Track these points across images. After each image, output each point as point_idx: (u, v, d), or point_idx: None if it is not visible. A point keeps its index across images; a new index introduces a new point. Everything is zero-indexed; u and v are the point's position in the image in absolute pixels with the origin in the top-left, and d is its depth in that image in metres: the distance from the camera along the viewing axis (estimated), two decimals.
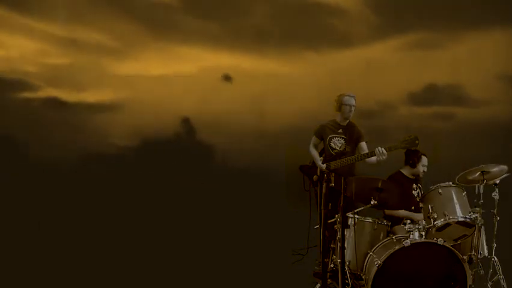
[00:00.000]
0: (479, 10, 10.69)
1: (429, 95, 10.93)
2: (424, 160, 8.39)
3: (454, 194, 7.52)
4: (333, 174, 6.97)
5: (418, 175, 8.37)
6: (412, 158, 8.32)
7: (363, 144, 8.31)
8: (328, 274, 7.22)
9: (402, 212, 8.02)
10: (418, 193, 8.23)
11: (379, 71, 10.88)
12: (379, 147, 7.73)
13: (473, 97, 10.96)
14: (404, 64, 10.95)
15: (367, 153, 7.96)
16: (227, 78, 10.71)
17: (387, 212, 8.06)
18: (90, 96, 10.55)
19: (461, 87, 10.97)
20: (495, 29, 10.83)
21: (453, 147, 10.30)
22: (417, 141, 7.62)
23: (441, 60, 10.89)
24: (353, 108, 8.33)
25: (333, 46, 11.03)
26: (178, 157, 10.39)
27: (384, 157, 7.74)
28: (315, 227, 7.44)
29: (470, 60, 10.82)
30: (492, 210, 7.47)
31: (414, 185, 8.29)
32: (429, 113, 10.96)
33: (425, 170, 8.40)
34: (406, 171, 8.38)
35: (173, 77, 10.64)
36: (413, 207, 8.04)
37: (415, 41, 10.96)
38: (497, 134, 10.34)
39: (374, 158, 7.83)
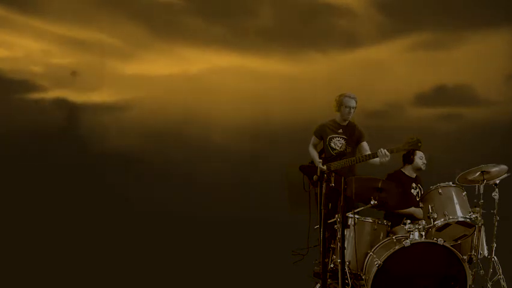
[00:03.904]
0: (486, 10, 10.64)
1: (436, 95, 10.88)
2: (421, 153, 8.36)
3: (454, 194, 7.55)
4: (333, 174, 6.97)
5: (420, 169, 8.36)
6: (407, 155, 8.33)
7: (365, 144, 8.31)
8: (328, 274, 7.23)
9: (409, 209, 8.06)
10: (418, 193, 8.22)
11: (386, 72, 10.85)
12: (382, 149, 7.74)
13: (481, 97, 10.91)
14: (410, 65, 10.91)
15: (369, 155, 7.97)
16: None
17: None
18: (95, 97, 10.59)
19: (468, 87, 10.91)
20: (503, 29, 10.78)
21: (455, 147, 10.28)
22: (419, 144, 7.64)
23: (448, 61, 10.83)
24: (352, 110, 8.30)
25: (340, 47, 11.00)
26: (181, 157, 10.42)
27: (387, 158, 7.76)
28: (315, 227, 7.41)
29: (478, 60, 10.77)
30: (492, 210, 7.46)
31: (414, 184, 8.28)
32: (436, 113, 10.90)
33: (425, 162, 8.38)
34: (407, 170, 8.39)
35: (178, 77, 10.67)
36: (412, 207, 8.06)
37: (422, 41, 10.91)
38: (499, 134, 10.32)
39: (376, 159, 7.85)
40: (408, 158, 8.35)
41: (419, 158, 8.34)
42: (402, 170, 8.39)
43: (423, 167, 8.37)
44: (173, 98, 10.59)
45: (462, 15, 10.73)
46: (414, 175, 8.37)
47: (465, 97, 10.94)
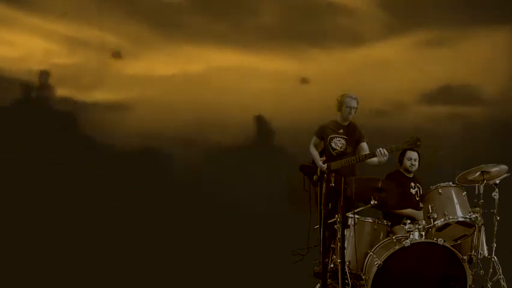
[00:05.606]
0: (491, 8, 10.60)
1: (440, 94, 10.86)
2: (411, 154, 8.34)
3: (454, 194, 7.55)
4: (333, 174, 6.98)
5: (408, 170, 8.35)
6: (399, 156, 8.37)
7: (364, 145, 8.28)
8: (328, 274, 7.24)
9: (406, 210, 8.05)
10: (417, 192, 8.23)
11: (390, 70, 10.83)
12: (380, 148, 7.73)
13: (485, 97, 10.88)
14: (414, 63, 10.88)
15: (368, 154, 7.96)
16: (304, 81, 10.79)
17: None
18: (98, 96, 10.59)
19: (473, 86, 10.89)
20: (508, 28, 10.76)
21: (457, 147, 10.27)
22: (419, 143, 7.62)
23: (453, 59, 10.80)
24: (353, 111, 8.28)
25: (343, 45, 10.99)
26: (184, 157, 10.42)
27: (385, 158, 7.74)
28: (315, 227, 7.46)
29: (483, 59, 10.74)
30: (492, 210, 7.46)
31: (413, 184, 8.29)
32: (440, 112, 10.87)
33: (414, 163, 8.35)
34: (404, 170, 8.40)
35: (181, 76, 10.67)
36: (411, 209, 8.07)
37: (427, 39, 10.89)
38: (499, 134, 10.29)
39: (375, 159, 7.84)
40: (398, 159, 8.37)
41: (407, 159, 8.34)
42: (399, 169, 8.41)
43: (410, 168, 8.34)
44: (175, 97, 10.58)
45: (466, 13, 10.69)
46: (411, 175, 8.38)
47: (470, 96, 10.90)
